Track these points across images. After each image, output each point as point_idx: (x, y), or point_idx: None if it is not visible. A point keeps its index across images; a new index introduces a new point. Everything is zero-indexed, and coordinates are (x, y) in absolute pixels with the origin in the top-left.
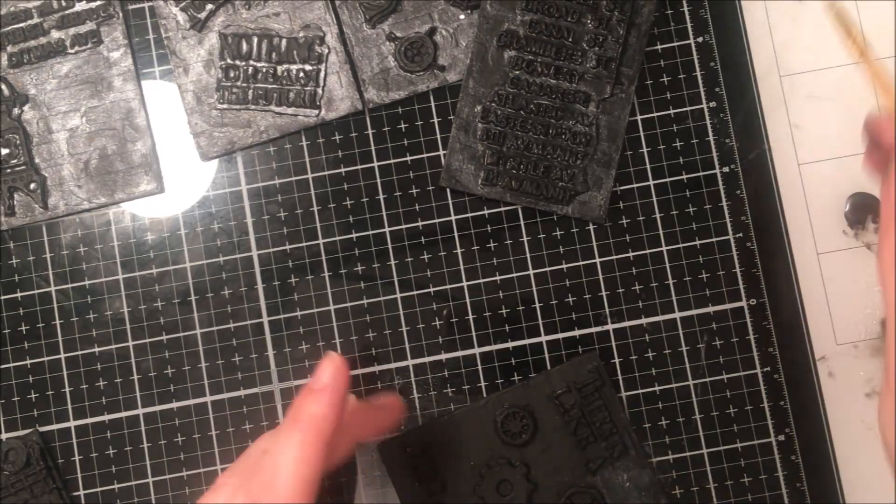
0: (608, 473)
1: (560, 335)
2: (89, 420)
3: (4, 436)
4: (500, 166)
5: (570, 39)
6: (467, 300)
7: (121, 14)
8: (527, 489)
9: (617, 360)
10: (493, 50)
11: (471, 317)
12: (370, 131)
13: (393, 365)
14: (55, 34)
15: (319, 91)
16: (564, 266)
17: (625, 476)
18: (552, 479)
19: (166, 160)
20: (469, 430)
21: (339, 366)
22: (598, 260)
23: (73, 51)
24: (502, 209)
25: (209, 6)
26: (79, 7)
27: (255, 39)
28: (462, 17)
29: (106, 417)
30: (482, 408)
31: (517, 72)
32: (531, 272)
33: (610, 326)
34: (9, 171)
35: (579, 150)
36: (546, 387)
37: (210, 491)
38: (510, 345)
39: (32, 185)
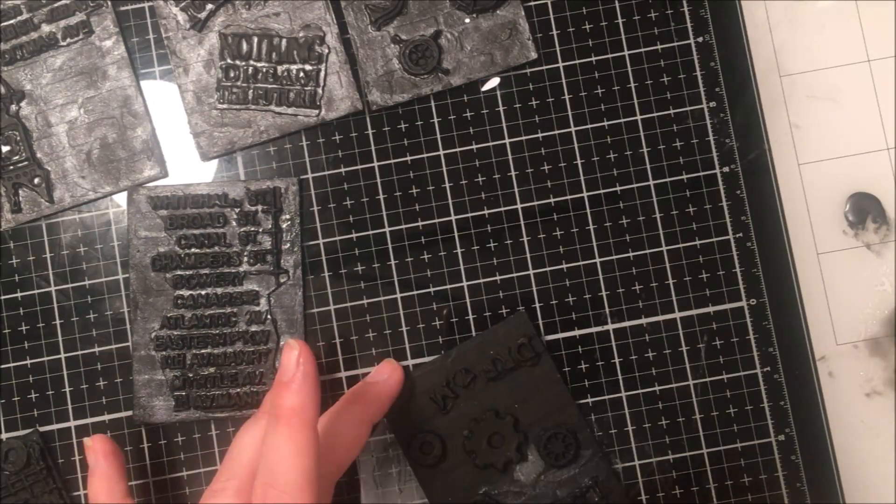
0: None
1: (560, 335)
2: (89, 420)
3: (4, 436)
4: (188, 389)
5: (223, 244)
6: (467, 300)
7: (110, 3)
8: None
9: (617, 360)
10: (152, 275)
11: (471, 317)
12: (370, 131)
13: None
14: (46, 28)
15: (319, 91)
16: (564, 266)
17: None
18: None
19: (166, 159)
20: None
21: (300, 351)
22: (598, 260)
23: (65, 43)
24: (502, 209)
25: (209, 6)
26: None
27: (255, 39)
28: (467, 20)
29: (106, 417)
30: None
31: (181, 290)
32: (531, 272)
33: (610, 326)
34: (11, 167)
35: (261, 350)
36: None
37: (210, 496)
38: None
39: (36, 180)
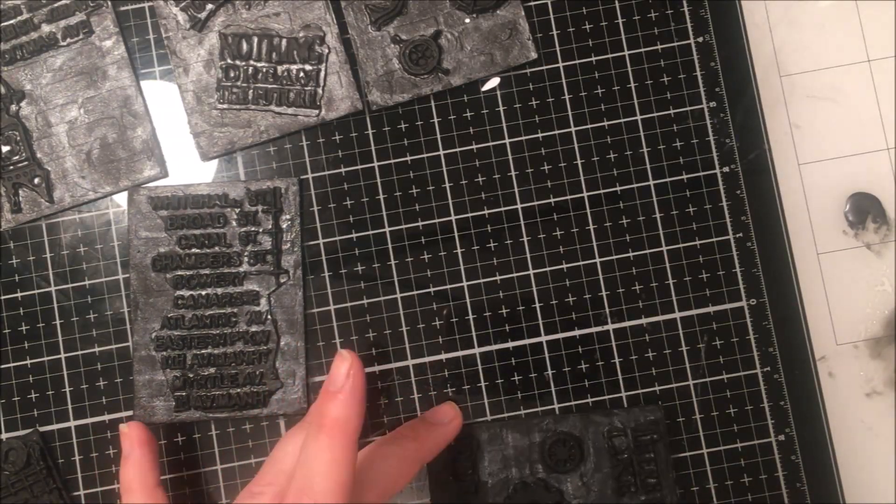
0: None
1: (560, 335)
2: (89, 420)
3: (4, 436)
4: (189, 389)
5: (224, 244)
6: (467, 300)
7: (110, 3)
8: None
9: (617, 360)
10: (152, 275)
11: (471, 317)
12: (370, 131)
13: (393, 365)
14: (46, 28)
15: (319, 91)
16: (564, 266)
17: None
18: None
19: (166, 159)
20: (514, 441)
21: (352, 363)
22: (598, 260)
23: (65, 43)
24: (502, 209)
25: (209, 6)
26: None
27: (255, 39)
28: (467, 20)
29: (106, 417)
30: (534, 422)
31: (181, 291)
32: (531, 272)
33: (610, 326)
34: (11, 167)
35: (261, 350)
36: (604, 424)
37: (247, 497)
38: (510, 345)
39: (37, 180)
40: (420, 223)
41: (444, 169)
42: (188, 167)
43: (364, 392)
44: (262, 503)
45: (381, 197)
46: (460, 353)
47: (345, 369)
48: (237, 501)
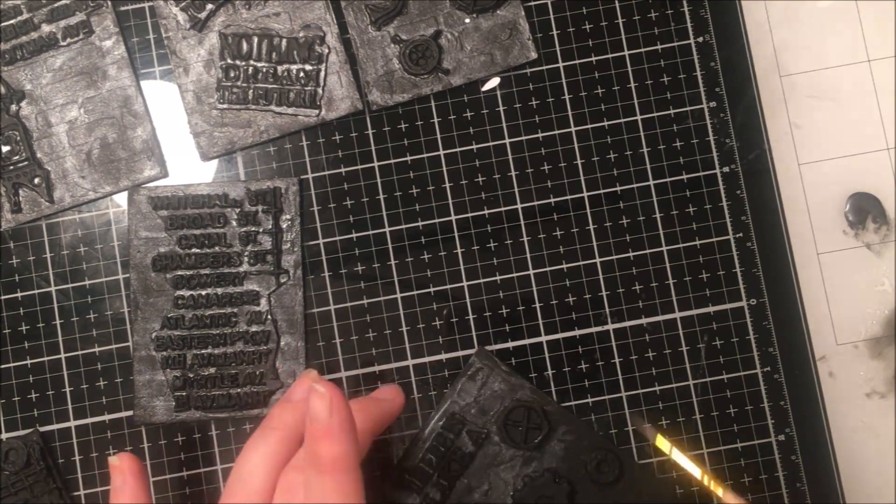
0: None
1: (560, 335)
2: (89, 420)
3: (4, 436)
4: (189, 389)
5: (224, 244)
6: (467, 300)
7: (110, 3)
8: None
9: (617, 360)
10: (152, 275)
11: (471, 317)
12: (370, 131)
13: (393, 365)
14: (46, 28)
15: (319, 91)
16: (564, 266)
17: None
18: None
19: (167, 159)
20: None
21: (331, 398)
22: (598, 260)
23: (65, 43)
24: (502, 209)
25: (209, 6)
26: None
27: (256, 39)
28: (467, 20)
29: (106, 417)
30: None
31: (181, 291)
32: (531, 272)
33: (610, 326)
34: (11, 167)
35: (262, 350)
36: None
37: None
38: (510, 345)
39: (37, 180)
40: (420, 223)
41: (444, 169)
42: (188, 167)
43: (352, 421)
44: None
45: (381, 197)
46: (460, 353)
47: (325, 407)
48: None
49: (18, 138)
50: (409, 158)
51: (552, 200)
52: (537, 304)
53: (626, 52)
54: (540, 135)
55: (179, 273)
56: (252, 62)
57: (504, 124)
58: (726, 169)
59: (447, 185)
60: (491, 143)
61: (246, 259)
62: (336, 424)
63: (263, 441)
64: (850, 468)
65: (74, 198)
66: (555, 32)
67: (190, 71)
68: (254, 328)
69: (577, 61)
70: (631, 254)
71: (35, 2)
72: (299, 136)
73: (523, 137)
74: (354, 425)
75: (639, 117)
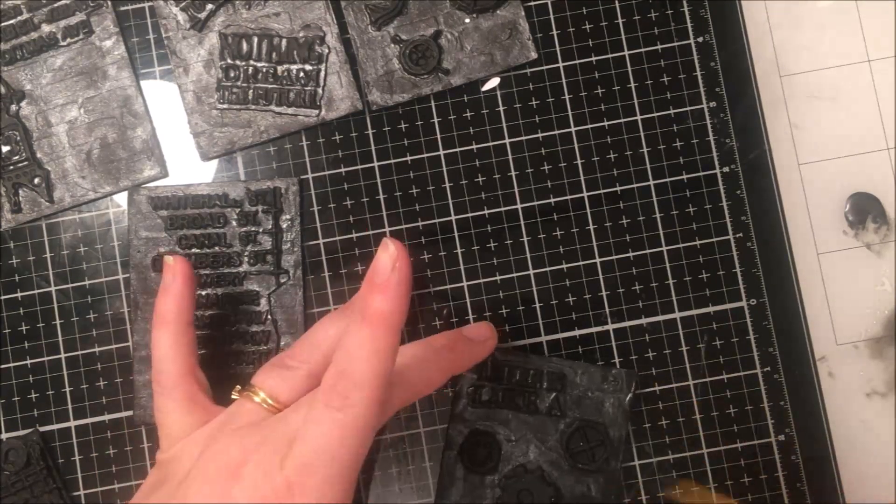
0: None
1: (560, 335)
2: (89, 420)
3: (4, 436)
4: None
5: (224, 245)
6: (467, 300)
7: (110, 3)
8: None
9: (617, 360)
10: (152, 275)
11: (471, 317)
12: (370, 131)
13: None
14: (46, 28)
15: (319, 91)
16: (564, 266)
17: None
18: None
19: (167, 159)
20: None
21: (398, 255)
22: (598, 260)
23: (65, 43)
24: (502, 209)
25: (209, 6)
26: None
27: (256, 39)
28: (467, 20)
29: (106, 417)
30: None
31: None
32: (531, 272)
33: (610, 326)
34: (11, 167)
35: (262, 350)
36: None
37: (280, 366)
38: (510, 345)
39: (36, 180)
40: (420, 223)
41: (444, 169)
42: (188, 167)
43: (409, 286)
44: (297, 379)
45: (381, 197)
46: None
47: (390, 261)
48: (272, 361)
49: (18, 138)
50: (409, 158)
51: (552, 200)
52: (537, 304)
53: (626, 52)
54: (540, 135)
55: None
56: (252, 62)
57: (504, 124)
58: (726, 169)
59: (447, 185)
60: (491, 143)
61: (246, 259)
62: (394, 281)
63: (341, 318)
64: (850, 468)
65: (74, 198)
66: (555, 32)
67: (190, 71)
68: (254, 328)
69: (577, 61)
70: (631, 254)
71: (35, 2)
72: (299, 136)
73: (523, 137)
74: (410, 290)
75: (639, 117)
